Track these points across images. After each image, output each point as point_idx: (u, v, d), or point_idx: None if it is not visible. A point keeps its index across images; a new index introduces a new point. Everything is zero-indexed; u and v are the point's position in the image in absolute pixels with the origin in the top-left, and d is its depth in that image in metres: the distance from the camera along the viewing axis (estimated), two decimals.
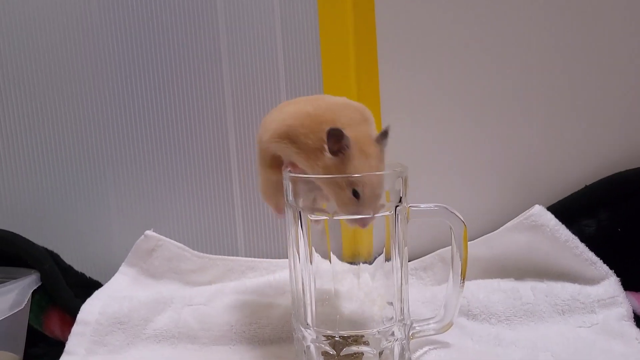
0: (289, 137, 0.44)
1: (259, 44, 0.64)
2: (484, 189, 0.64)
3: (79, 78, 0.63)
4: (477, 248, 0.59)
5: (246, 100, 0.64)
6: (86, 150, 0.65)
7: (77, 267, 0.62)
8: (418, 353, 0.49)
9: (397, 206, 0.45)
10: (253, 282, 0.62)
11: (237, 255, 0.66)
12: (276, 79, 0.64)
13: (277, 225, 0.66)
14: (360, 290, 0.49)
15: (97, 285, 0.61)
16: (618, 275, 0.55)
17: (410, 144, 0.63)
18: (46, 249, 0.59)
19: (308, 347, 0.46)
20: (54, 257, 0.59)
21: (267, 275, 0.63)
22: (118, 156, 0.65)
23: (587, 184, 0.61)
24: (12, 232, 0.58)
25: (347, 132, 0.42)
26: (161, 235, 0.63)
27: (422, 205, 0.47)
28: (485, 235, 0.60)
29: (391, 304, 0.46)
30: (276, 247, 0.67)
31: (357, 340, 0.45)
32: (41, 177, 0.64)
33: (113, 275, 0.61)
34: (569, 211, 0.59)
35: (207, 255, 0.64)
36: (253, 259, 0.65)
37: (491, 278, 0.58)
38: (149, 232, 0.62)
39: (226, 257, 0.65)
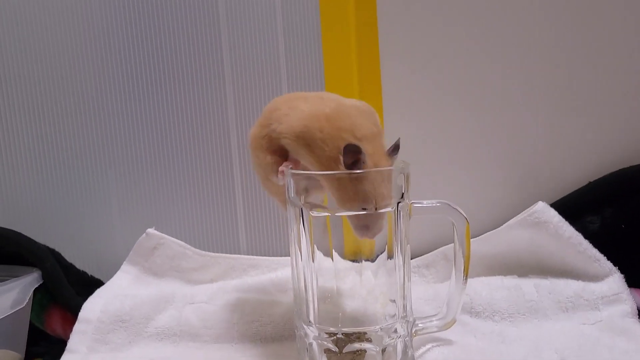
0: (305, 139, 0.44)
1: (261, 41, 0.64)
2: (487, 186, 0.64)
3: (81, 76, 0.63)
4: (480, 245, 0.59)
5: (248, 98, 0.64)
6: (88, 149, 0.65)
7: (79, 265, 0.62)
8: (421, 350, 0.49)
9: (399, 202, 0.45)
10: (255, 280, 0.62)
11: (239, 254, 0.66)
12: (278, 76, 0.64)
13: (279, 223, 0.66)
14: (362, 287, 0.49)
15: (98, 283, 0.61)
16: (622, 272, 0.55)
17: (412, 141, 0.63)
18: (48, 247, 0.59)
19: (310, 344, 0.46)
20: (56, 256, 0.59)
21: (269, 273, 0.63)
22: (120, 155, 0.65)
23: (591, 181, 0.61)
24: (13, 231, 0.58)
25: (364, 145, 0.42)
26: (163, 233, 0.63)
27: (425, 202, 0.47)
28: (489, 232, 0.60)
29: (394, 301, 0.46)
30: (278, 245, 0.67)
31: (360, 337, 0.45)
32: (43, 175, 0.64)
33: (115, 273, 0.61)
34: (572, 208, 0.59)
35: (209, 253, 0.64)
36: (255, 257, 0.65)
37: (494, 275, 0.58)
38: (150, 231, 0.62)
39: (228, 255, 0.65)
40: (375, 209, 0.42)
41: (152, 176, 0.65)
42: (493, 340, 0.50)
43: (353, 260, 0.48)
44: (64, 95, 0.64)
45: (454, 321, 0.49)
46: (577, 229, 0.56)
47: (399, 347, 0.46)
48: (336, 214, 0.44)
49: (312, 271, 0.45)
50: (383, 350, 0.45)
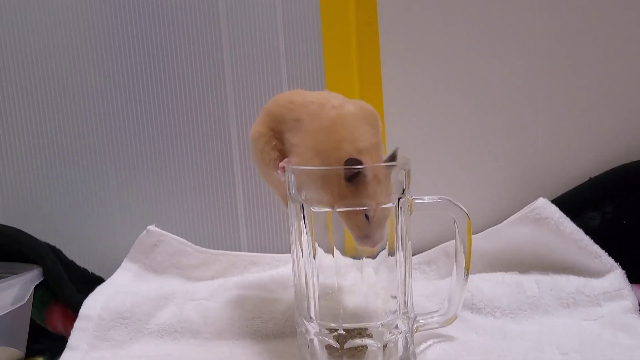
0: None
1: (261, 38, 0.63)
2: (489, 183, 0.64)
3: (82, 74, 0.63)
4: (481, 241, 0.59)
5: (248, 96, 0.64)
6: (89, 146, 0.65)
7: (80, 262, 0.62)
8: (422, 346, 0.49)
9: (400, 198, 0.45)
10: (256, 277, 0.62)
11: (240, 251, 0.66)
12: (278, 73, 0.64)
13: (279, 219, 0.66)
14: (363, 284, 0.49)
15: (99, 280, 0.61)
16: (623, 268, 0.54)
17: (413, 137, 0.63)
18: (48, 245, 0.59)
19: (311, 340, 0.46)
20: (57, 253, 0.59)
21: (270, 270, 0.63)
22: (120, 152, 0.65)
23: (592, 177, 0.61)
24: (14, 228, 0.58)
25: (364, 158, 0.42)
26: (163, 230, 0.63)
27: (426, 198, 0.47)
28: (490, 229, 0.59)
29: (395, 297, 0.46)
30: (279, 241, 0.67)
31: (361, 333, 0.45)
32: (44, 173, 0.64)
33: (115, 270, 0.61)
34: (573, 204, 0.59)
35: (210, 250, 0.64)
36: (256, 254, 0.65)
37: (495, 271, 0.58)
38: (151, 228, 0.62)
39: (229, 252, 0.64)
40: (375, 210, 0.43)
41: (152, 173, 0.65)
42: (494, 337, 0.50)
43: (354, 257, 0.48)
44: (65, 93, 0.64)
45: (455, 317, 0.49)
46: (578, 225, 0.56)
47: (400, 343, 0.46)
48: (337, 210, 0.44)
49: (313, 267, 0.45)
50: (384, 346, 0.45)
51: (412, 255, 0.60)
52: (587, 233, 0.56)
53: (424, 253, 0.62)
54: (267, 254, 0.65)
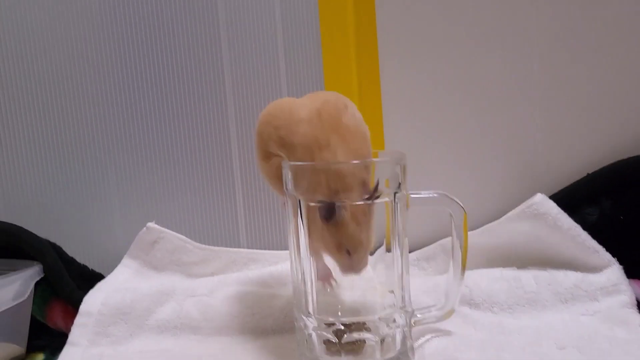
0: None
1: (260, 36, 0.64)
2: (487, 179, 0.64)
3: (81, 73, 0.64)
4: (480, 237, 0.59)
5: (247, 93, 0.65)
6: (88, 143, 0.65)
7: (80, 259, 0.62)
8: (420, 341, 0.49)
9: (396, 193, 0.45)
10: (255, 273, 0.62)
11: (239, 248, 0.66)
12: (277, 70, 0.64)
13: (278, 216, 0.66)
14: (361, 279, 0.49)
15: (99, 277, 0.61)
16: (621, 263, 0.54)
17: (411, 134, 0.63)
18: (49, 242, 0.59)
19: (310, 335, 0.46)
20: (57, 250, 0.60)
21: (270, 267, 0.63)
22: (120, 149, 0.65)
23: (589, 173, 0.61)
24: (15, 225, 0.59)
25: (342, 197, 0.42)
26: (163, 227, 0.63)
27: (422, 193, 0.47)
28: (488, 225, 0.60)
29: (392, 292, 0.46)
30: (278, 238, 0.67)
31: (359, 327, 0.45)
32: (44, 170, 0.65)
33: (115, 267, 0.61)
34: (571, 200, 0.59)
35: (209, 247, 0.64)
36: (255, 250, 0.65)
37: (494, 267, 0.58)
38: (150, 225, 0.63)
39: (228, 249, 0.65)
40: (350, 253, 0.44)
41: (152, 171, 0.66)
42: (492, 331, 0.51)
43: None
44: (65, 91, 0.64)
45: (452, 311, 0.49)
46: (576, 221, 0.56)
47: (398, 337, 0.46)
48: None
49: (311, 263, 0.45)
50: (382, 341, 0.45)
51: (411, 252, 0.61)
52: (584, 229, 0.56)
53: (423, 249, 0.63)
54: (267, 251, 0.65)
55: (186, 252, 0.63)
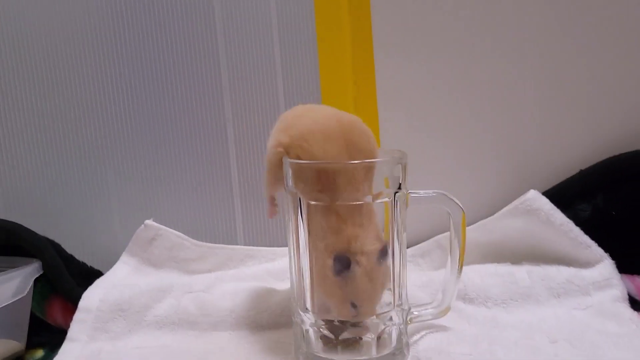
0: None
1: (256, 34, 0.64)
2: (481, 176, 0.64)
3: (80, 71, 0.64)
4: (474, 233, 0.59)
5: (243, 89, 0.65)
6: (88, 142, 0.65)
7: (79, 256, 0.63)
8: (415, 337, 0.50)
9: (396, 192, 0.45)
10: (252, 269, 0.63)
11: (236, 244, 0.67)
12: (273, 68, 0.64)
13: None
14: None
15: (98, 274, 0.61)
16: (613, 258, 0.55)
17: (406, 132, 0.64)
18: (48, 239, 0.59)
19: (307, 331, 0.46)
20: (56, 247, 0.60)
21: (266, 264, 0.64)
22: (118, 147, 0.65)
23: (582, 169, 0.62)
24: (14, 223, 0.59)
25: (355, 250, 0.43)
26: (161, 224, 0.63)
27: (421, 192, 0.47)
28: (482, 221, 0.60)
29: (389, 289, 0.47)
30: (275, 235, 0.67)
31: (356, 324, 0.45)
32: (43, 168, 0.65)
33: (114, 264, 0.61)
34: (564, 196, 0.60)
35: (207, 244, 0.65)
36: (252, 247, 0.66)
37: (488, 263, 0.58)
38: (148, 222, 0.63)
39: (225, 245, 0.65)
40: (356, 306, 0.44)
41: (150, 169, 0.66)
42: (486, 326, 0.51)
43: None
44: (63, 88, 0.64)
45: (448, 309, 0.50)
46: (569, 217, 0.57)
47: (394, 334, 0.46)
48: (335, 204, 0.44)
49: (310, 259, 0.46)
50: (378, 338, 0.45)
51: (407, 248, 0.61)
52: (577, 224, 0.56)
53: (418, 245, 0.63)
54: (263, 248, 0.66)
55: (184, 249, 0.63)
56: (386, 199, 0.45)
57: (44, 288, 0.57)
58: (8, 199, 0.65)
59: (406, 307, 0.48)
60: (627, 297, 0.53)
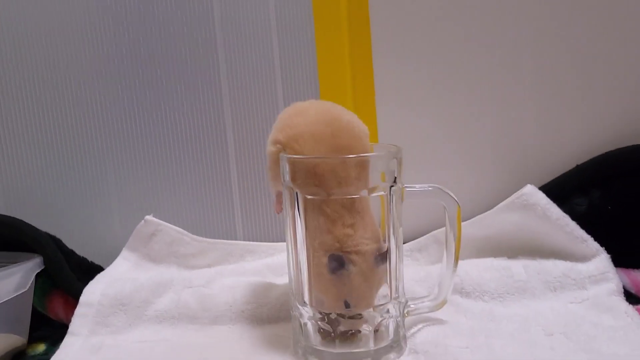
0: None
1: (255, 31, 0.64)
2: (478, 171, 0.65)
3: (80, 69, 0.64)
4: (471, 228, 0.60)
5: (242, 85, 0.65)
6: (86, 137, 0.65)
7: (80, 252, 0.63)
8: (413, 330, 0.50)
9: (391, 186, 0.46)
10: (251, 264, 0.63)
11: (236, 240, 0.67)
12: (271, 65, 0.65)
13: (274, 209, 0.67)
14: None
15: (99, 269, 0.62)
16: (608, 253, 0.55)
17: (404, 127, 0.64)
18: (49, 234, 0.60)
19: (305, 324, 0.47)
20: (57, 242, 0.60)
21: (266, 259, 0.64)
22: (118, 143, 0.66)
23: (579, 164, 0.62)
24: (16, 218, 0.59)
25: (349, 249, 0.44)
26: (161, 220, 0.64)
27: (417, 186, 0.48)
28: (479, 215, 0.60)
29: (386, 282, 0.47)
30: (274, 230, 0.68)
31: (353, 317, 0.46)
32: (44, 164, 0.65)
33: (114, 259, 0.62)
34: (561, 190, 0.60)
35: (206, 239, 0.65)
36: (252, 242, 0.66)
37: (484, 257, 0.59)
38: (148, 217, 0.63)
39: (225, 241, 0.65)
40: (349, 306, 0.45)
41: (150, 164, 0.66)
42: (483, 319, 0.52)
43: None
44: (63, 85, 0.64)
45: (444, 302, 0.50)
46: (565, 211, 0.57)
47: (391, 327, 0.47)
48: (331, 198, 0.45)
49: (307, 254, 0.46)
50: (376, 330, 0.46)
51: (405, 243, 0.62)
52: (573, 219, 0.57)
53: (416, 240, 0.64)
54: (263, 243, 0.66)
55: (183, 244, 0.64)
56: (382, 193, 0.45)
57: (45, 283, 0.58)
58: (9, 197, 0.65)
59: (403, 300, 0.48)
60: (622, 290, 0.54)
